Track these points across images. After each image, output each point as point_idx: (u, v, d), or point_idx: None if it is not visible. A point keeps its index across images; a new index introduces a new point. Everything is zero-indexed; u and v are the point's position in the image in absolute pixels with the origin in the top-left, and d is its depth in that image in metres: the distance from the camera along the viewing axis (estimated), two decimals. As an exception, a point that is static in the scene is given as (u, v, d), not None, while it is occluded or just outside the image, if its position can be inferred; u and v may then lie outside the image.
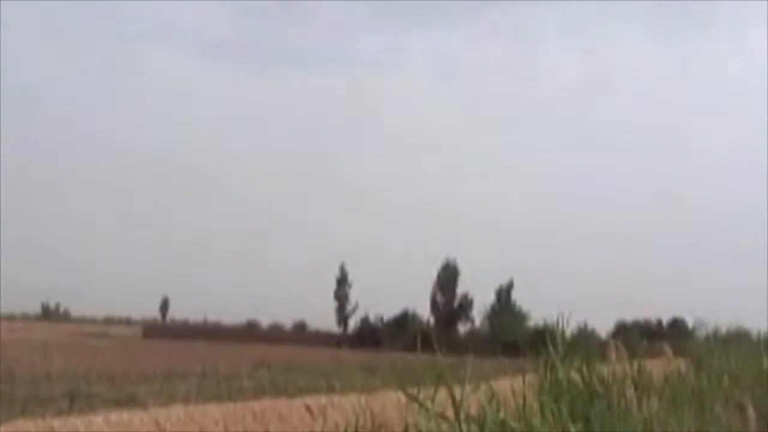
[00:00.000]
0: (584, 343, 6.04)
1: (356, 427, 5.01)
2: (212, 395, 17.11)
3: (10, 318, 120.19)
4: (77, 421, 3.47)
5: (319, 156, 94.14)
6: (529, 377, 4.29)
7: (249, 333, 73.81)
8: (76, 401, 15.48)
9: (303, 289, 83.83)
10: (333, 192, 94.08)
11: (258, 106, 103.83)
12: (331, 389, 17.89)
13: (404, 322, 68.37)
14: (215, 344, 46.04)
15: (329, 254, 79.46)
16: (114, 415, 3.61)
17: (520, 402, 3.76)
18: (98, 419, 3.55)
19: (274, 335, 70.61)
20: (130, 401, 15.71)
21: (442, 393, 3.21)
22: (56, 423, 3.36)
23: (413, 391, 3.26)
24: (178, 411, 3.98)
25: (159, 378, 22.04)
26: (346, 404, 5.08)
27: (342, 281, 73.96)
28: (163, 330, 79.95)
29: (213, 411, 4.11)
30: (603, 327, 60.16)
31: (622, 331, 61.35)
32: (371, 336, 68.06)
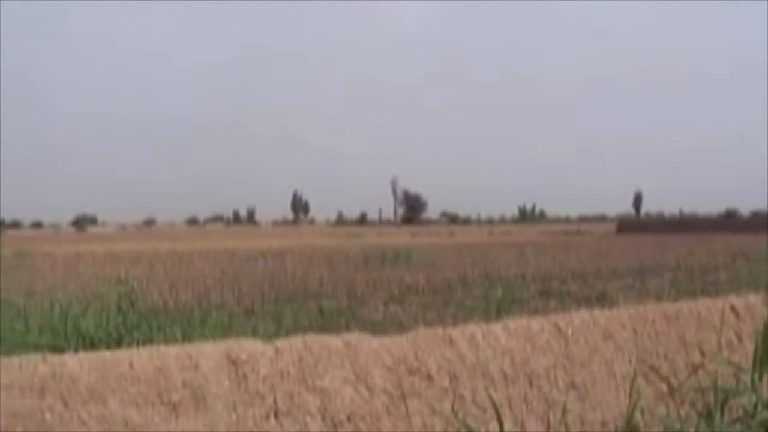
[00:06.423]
0: None
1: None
2: (685, 290, 16.33)
3: (489, 222, 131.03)
4: (475, 328, 3.48)
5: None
6: None
7: (728, 223, 69.51)
8: (550, 300, 15.90)
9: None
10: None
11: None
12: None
13: None
14: (691, 236, 44.11)
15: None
16: (513, 323, 3.55)
17: None
18: (497, 327, 3.52)
19: (756, 224, 65.13)
20: (601, 298, 15.71)
21: None
22: (456, 332, 3.41)
23: None
24: (582, 315, 3.79)
25: (631, 273, 21.77)
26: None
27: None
28: (637, 224, 79.48)
29: (620, 314, 3.83)
30: None
31: None
32: None
